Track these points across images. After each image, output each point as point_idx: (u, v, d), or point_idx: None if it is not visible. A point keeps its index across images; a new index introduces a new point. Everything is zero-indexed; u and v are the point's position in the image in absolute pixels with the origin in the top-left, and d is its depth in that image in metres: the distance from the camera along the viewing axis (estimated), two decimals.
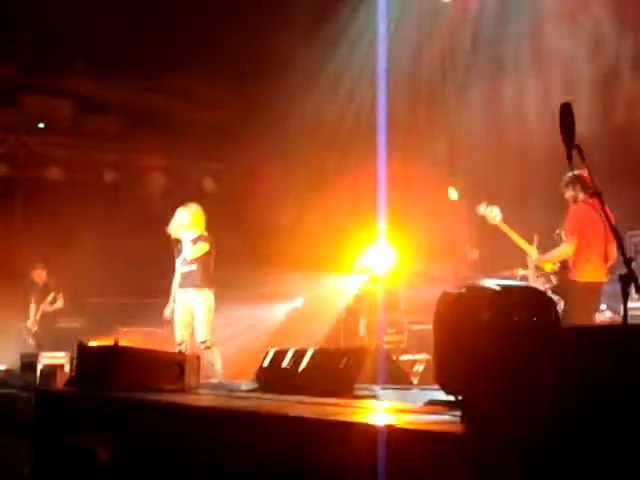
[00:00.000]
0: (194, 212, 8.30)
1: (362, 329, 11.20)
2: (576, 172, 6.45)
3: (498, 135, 10.46)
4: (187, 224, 8.20)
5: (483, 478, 2.35)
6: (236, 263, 12.28)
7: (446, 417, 2.99)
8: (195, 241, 8.19)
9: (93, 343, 7.53)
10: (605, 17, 9.63)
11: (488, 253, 10.33)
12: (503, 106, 10.60)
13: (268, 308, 12.24)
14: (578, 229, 6.68)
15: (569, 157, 3.47)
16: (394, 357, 7.99)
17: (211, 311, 8.05)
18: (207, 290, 8.09)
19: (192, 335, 8.00)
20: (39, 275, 11.49)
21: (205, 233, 8.29)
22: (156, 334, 9.81)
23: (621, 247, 3.40)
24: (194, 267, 8.12)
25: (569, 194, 6.97)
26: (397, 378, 5.44)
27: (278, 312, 12.27)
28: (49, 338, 10.65)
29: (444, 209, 11.20)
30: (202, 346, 7.75)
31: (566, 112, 3.46)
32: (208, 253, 8.18)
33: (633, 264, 3.29)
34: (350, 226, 11.44)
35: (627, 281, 3.21)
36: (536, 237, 7.75)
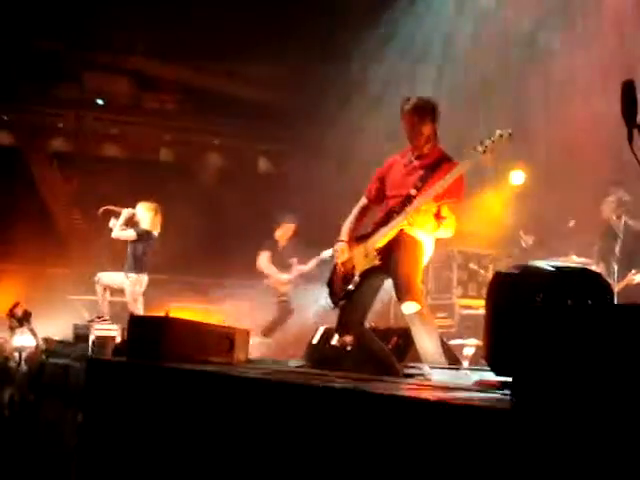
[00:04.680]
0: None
1: None
2: None
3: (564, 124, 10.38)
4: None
5: (530, 455, 2.32)
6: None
7: (496, 395, 2.95)
8: None
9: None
10: None
11: (543, 239, 10.25)
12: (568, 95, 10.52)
13: (321, 289, 12.26)
14: None
15: (630, 137, 3.39)
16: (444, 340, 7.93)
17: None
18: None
19: None
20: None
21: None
22: (208, 311, 9.90)
23: None
24: None
25: None
26: (447, 359, 5.40)
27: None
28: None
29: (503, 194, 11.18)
30: None
31: (628, 90, 3.38)
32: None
33: None
34: None
35: None
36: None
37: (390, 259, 5.43)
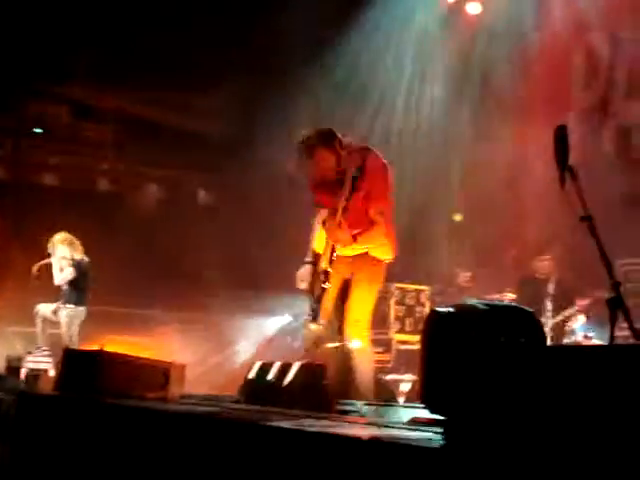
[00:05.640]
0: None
1: None
2: None
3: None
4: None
5: None
6: (227, 277, 12.26)
7: (429, 434, 2.97)
8: None
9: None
10: None
11: (479, 277, 10.40)
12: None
13: (257, 323, 12.22)
14: None
15: (562, 179, 3.48)
16: (380, 376, 7.96)
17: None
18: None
19: None
20: None
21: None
22: (145, 344, 9.82)
23: (610, 272, 3.39)
24: None
25: None
26: (383, 396, 5.42)
27: (267, 327, 12.25)
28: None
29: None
30: None
31: (560, 134, 3.47)
32: None
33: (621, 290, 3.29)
34: None
35: (615, 305, 3.22)
36: None
37: (352, 278, 5.47)
